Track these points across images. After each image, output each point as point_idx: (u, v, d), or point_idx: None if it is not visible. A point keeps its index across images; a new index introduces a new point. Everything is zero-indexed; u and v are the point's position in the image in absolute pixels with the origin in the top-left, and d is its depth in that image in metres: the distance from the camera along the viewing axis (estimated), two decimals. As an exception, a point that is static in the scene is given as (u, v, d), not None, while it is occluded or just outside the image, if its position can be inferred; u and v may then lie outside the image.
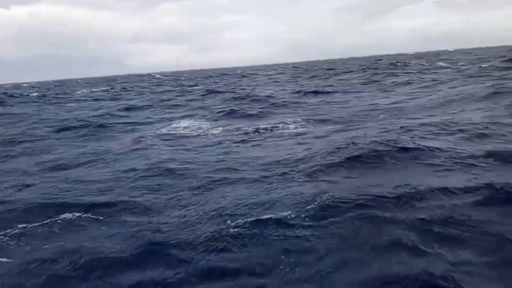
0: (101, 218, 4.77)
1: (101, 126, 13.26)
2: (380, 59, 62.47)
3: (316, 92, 19.46)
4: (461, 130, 7.87)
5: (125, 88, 36.44)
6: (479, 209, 4.12)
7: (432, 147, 6.50)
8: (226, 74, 56.89)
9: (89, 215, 4.86)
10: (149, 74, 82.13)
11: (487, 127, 7.99)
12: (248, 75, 47.95)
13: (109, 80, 67.66)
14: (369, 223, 3.90)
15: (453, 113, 10.51)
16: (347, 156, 6.21)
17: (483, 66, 25.75)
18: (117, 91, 33.88)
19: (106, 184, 6.24)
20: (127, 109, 18.66)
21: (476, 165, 5.41)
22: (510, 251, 3.38)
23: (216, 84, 33.29)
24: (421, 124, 8.64)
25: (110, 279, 3.45)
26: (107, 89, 36.94)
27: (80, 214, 4.89)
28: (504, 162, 5.44)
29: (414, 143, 6.76)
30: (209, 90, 24.33)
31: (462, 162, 5.62)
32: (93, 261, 3.72)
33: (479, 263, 3.26)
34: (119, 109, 18.51)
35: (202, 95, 22.60)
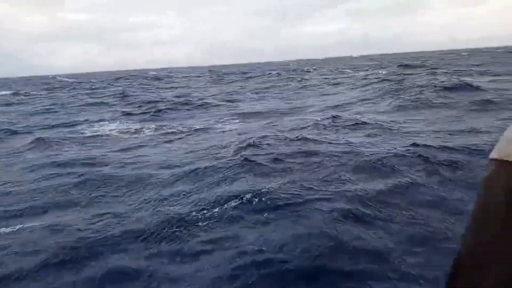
0: (36, 224, 4.43)
1: (9, 133, 12.04)
2: (293, 64, 65.65)
3: (238, 93, 19.95)
4: (379, 123, 8.79)
5: (28, 93, 33.12)
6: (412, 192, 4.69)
7: (353, 141, 7.17)
8: (139, 76, 54.87)
9: (18, 226, 4.46)
10: (54, 77, 75.79)
11: (395, 121, 9.05)
12: (163, 77, 46.96)
13: (9, 83, 60.82)
14: (317, 203, 4.24)
15: (364, 109, 11.64)
16: (283, 147, 6.62)
17: (383, 72, 28.54)
18: (20, 95, 30.71)
19: (32, 191, 5.78)
20: (36, 113, 17.16)
21: (402, 155, 6.04)
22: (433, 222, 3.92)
23: (132, 87, 31.98)
24: (337, 118, 9.47)
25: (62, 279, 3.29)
26: (9, 93, 33.22)
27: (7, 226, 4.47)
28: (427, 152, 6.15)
29: (343, 138, 7.40)
30: (125, 92, 23.38)
31: (387, 151, 6.25)
32: (35, 267, 3.49)
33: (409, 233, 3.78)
34: (30, 114, 16.96)
35: (119, 98, 21.66)
